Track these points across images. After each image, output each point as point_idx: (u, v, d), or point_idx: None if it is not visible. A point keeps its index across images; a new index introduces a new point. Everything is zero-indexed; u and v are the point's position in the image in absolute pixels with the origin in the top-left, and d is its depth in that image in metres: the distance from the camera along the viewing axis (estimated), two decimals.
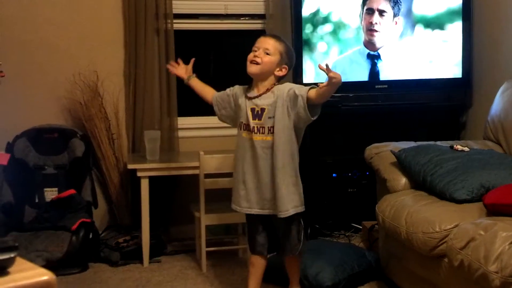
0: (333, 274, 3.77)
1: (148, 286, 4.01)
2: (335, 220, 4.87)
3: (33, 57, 4.69)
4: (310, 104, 3.27)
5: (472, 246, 2.78)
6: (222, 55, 5.39)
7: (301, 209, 3.43)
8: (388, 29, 4.83)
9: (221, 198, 4.14)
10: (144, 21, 4.72)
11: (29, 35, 4.66)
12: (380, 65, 4.86)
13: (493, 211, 3.05)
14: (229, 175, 4.05)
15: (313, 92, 3.26)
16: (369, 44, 4.85)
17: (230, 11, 5.08)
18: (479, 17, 4.89)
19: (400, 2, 4.81)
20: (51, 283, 1.59)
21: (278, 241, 3.54)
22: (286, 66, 3.41)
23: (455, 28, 4.90)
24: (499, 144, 4.12)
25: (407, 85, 4.95)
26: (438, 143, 3.99)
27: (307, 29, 4.80)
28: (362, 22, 4.83)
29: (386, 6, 4.81)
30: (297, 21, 4.79)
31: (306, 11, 4.78)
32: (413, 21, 4.89)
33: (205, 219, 4.19)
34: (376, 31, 4.82)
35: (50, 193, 4.52)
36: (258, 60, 3.35)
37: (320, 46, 4.83)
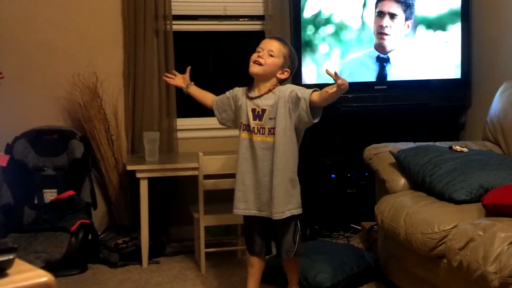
0: (332, 275, 3.77)
1: (147, 287, 4.01)
2: (334, 220, 4.87)
3: (32, 58, 4.69)
4: (312, 106, 3.27)
5: (471, 247, 2.78)
6: (221, 56, 5.39)
7: (297, 211, 3.43)
8: (398, 32, 4.84)
9: (220, 199, 4.14)
10: (143, 22, 4.72)
11: (28, 36, 4.66)
12: (389, 68, 4.87)
13: (492, 211, 3.05)
14: (228, 176, 4.06)
15: (316, 95, 3.26)
16: (380, 47, 4.87)
17: (229, 12, 5.08)
18: (478, 18, 4.89)
19: (413, 5, 4.82)
20: (50, 285, 1.59)
21: (276, 242, 3.55)
22: (288, 69, 3.41)
23: (455, 29, 4.90)
24: (498, 144, 4.12)
25: (406, 86, 4.96)
26: (437, 143, 3.99)
27: (309, 30, 4.81)
28: (373, 25, 4.85)
29: (397, 10, 4.82)
30: (296, 22, 4.79)
31: (307, 13, 4.80)
32: (415, 22, 4.89)
33: (204, 220, 4.19)
34: (386, 34, 4.83)
35: (49, 195, 4.52)
36: (262, 61, 3.35)
37: (322, 48, 4.84)
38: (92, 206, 4.61)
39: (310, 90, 3.30)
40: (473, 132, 4.88)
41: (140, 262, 4.37)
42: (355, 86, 4.82)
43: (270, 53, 3.36)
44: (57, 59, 4.72)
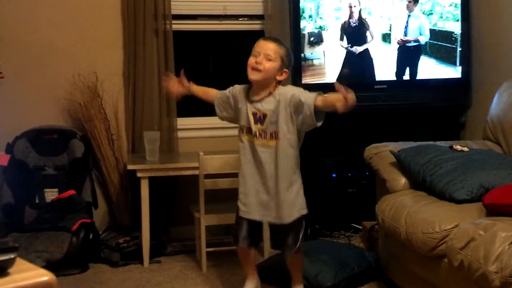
0: (333, 275, 3.77)
1: (148, 287, 4.01)
2: (335, 220, 4.87)
3: (33, 58, 4.69)
4: (316, 110, 3.26)
5: (472, 246, 2.78)
6: (221, 56, 5.39)
7: (305, 211, 3.45)
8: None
9: (221, 198, 4.15)
10: (143, 22, 4.72)
11: (28, 36, 4.66)
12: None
13: (493, 211, 3.05)
14: (229, 175, 4.06)
15: (320, 101, 3.24)
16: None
17: (229, 12, 5.08)
18: (478, 18, 4.89)
19: None
20: (51, 284, 1.59)
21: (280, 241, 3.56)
22: (286, 70, 3.39)
23: (454, 28, 4.90)
24: (499, 144, 4.12)
25: (406, 85, 4.96)
26: (438, 143, 3.99)
27: (309, 29, 4.80)
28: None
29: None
30: (296, 22, 4.79)
31: (307, 12, 4.78)
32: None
33: (205, 220, 4.19)
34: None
35: (50, 194, 4.53)
36: (260, 67, 3.31)
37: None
38: (93, 205, 4.62)
39: (314, 95, 3.27)
40: (474, 131, 4.88)
41: (141, 261, 4.37)
42: (355, 86, 4.86)
43: (267, 57, 3.31)
44: (57, 59, 4.72)
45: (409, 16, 4.88)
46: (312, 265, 3.80)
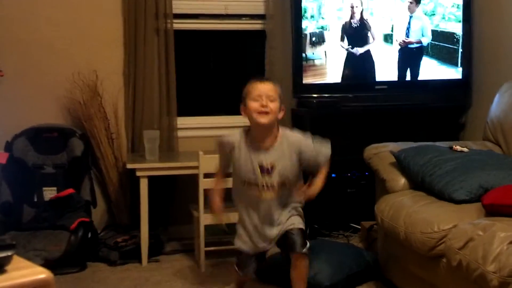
0: (331, 274, 3.77)
1: (147, 286, 4.00)
2: (334, 220, 4.86)
3: (33, 56, 4.69)
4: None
5: (471, 246, 2.78)
6: (222, 55, 5.38)
7: (302, 225, 3.44)
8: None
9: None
10: (144, 21, 4.72)
11: (28, 35, 4.66)
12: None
13: (492, 211, 3.05)
14: (228, 175, 4.06)
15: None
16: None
17: (230, 11, 5.08)
18: (479, 18, 4.88)
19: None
20: (49, 281, 1.59)
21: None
22: (283, 106, 3.34)
23: (456, 29, 4.90)
24: (498, 145, 4.12)
25: (406, 86, 4.96)
26: (437, 143, 3.98)
27: (310, 29, 4.80)
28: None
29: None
30: (298, 22, 4.79)
31: (309, 12, 4.78)
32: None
33: (204, 219, 4.18)
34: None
35: (49, 193, 4.52)
36: (268, 109, 3.23)
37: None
38: (91, 204, 4.62)
39: (324, 158, 3.36)
40: (474, 132, 4.88)
41: (139, 260, 4.37)
42: (355, 86, 4.88)
43: (270, 98, 3.24)
44: (57, 57, 4.72)
45: (411, 17, 4.88)
46: (310, 265, 3.78)
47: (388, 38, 4.89)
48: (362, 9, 4.84)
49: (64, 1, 4.74)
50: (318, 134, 4.66)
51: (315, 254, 3.92)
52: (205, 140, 4.93)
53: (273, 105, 3.24)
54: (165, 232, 4.78)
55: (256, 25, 5.12)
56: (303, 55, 4.81)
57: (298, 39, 4.79)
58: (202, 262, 4.24)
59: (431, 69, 4.95)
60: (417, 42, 4.90)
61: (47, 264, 3.91)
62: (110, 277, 4.15)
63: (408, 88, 4.97)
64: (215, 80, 5.24)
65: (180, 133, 4.90)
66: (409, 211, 3.35)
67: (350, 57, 4.88)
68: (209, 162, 4.11)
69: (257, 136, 3.31)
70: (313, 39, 4.84)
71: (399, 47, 4.90)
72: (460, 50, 4.91)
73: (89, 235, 4.33)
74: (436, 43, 4.91)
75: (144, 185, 4.28)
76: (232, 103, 5.15)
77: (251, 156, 3.30)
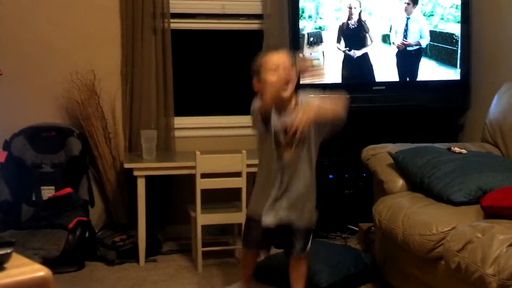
0: (329, 276, 3.76)
1: (144, 285, 4.00)
2: (331, 221, 4.85)
3: (31, 55, 4.68)
4: None
5: (469, 249, 2.78)
6: (219, 55, 5.38)
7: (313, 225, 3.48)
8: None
9: (218, 198, 4.15)
10: (141, 21, 4.71)
11: (26, 34, 4.66)
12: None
13: (491, 213, 3.05)
14: (225, 175, 4.07)
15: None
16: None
17: (227, 11, 5.07)
18: (477, 19, 4.88)
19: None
20: (47, 279, 1.59)
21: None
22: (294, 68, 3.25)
23: (455, 30, 4.90)
24: (497, 146, 4.11)
25: (405, 87, 4.96)
26: (436, 145, 3.98)
27: (308, 29, 4.80)
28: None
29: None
30: (295, 21, 4.78)
31: (306, 12, 4.78)
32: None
33: (201, 219, 4.18)
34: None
35: (47, 192, 4.51)
36: (288, 79, 3.16)
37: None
38: (89, 203, 4.61)
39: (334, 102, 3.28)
40: (472, 133, 4.88)
41: (137, 260, 4.36)
42: (353, 87, 4.87)
43: (286, 70, 3.16)
44: (55, 57, 4.71)
45: (408, 18, 4.87)
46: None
47: (386, 38, 4.89)
48: (361, 10, 4.83)
49: (63, 1, 4.73)
50: None
51: (312, 255, 3.92)
52: (202, 140, 4.93)
53: (292, 74, 3.18)
54: (163, 232, 4.78)
55: (253, 25, 5.11)
56: (301, 55, 4.79)
57: (295, 39, 4.79)
58: (199, 262, 4.23)
59: (430, 70, 4.94)
60: (415, 45, 4.90)
61: (45, 263, 3.85)
62: (108, 277, 4.15)
63: (406, 89, 4.96)
64: (212, 80, 5.24)
65: (178, 133, 4.90)
66: (407, 212, 3.35)
67: (347, 59, 4.87)
68: (206, 162, 4.12)
69: (276, 104, 3.21)
70: (311, 39, 4.83)
71: (397, 49, 4.89)
72: (459, 51, 4.91)
73: (87, 234, 4.33)
74: (435, 44, 4.91)
75: (141, 185, 4.28)
76: (229, 103, 5.16)
77: (275, 118, 3.22)
